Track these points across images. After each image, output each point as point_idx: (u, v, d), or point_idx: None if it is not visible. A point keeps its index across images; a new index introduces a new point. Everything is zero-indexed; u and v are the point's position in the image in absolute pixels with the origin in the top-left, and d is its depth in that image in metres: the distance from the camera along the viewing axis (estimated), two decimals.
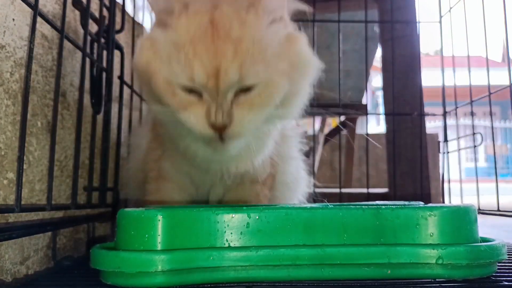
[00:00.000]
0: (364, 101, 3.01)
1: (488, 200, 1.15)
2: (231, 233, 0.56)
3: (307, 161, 0.99)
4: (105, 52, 0.91)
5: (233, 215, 0.57)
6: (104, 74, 0.90)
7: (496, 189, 1.05)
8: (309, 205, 0.65)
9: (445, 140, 1.34)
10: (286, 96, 0.63)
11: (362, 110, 2.91)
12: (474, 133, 1.23)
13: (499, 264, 0.63)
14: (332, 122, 4.66)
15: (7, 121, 0.62)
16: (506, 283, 0.57)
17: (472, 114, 1.24)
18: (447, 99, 1.36)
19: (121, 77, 1.01)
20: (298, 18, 0.69)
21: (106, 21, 0.92)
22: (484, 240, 0.61)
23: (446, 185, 1.31)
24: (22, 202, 0.59)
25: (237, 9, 0.61)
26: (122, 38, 1.05)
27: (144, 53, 0.64)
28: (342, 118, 3.03)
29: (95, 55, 0.86)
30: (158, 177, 0.79)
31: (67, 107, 0.81)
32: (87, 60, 0.82)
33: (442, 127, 1.39)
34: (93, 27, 0.87)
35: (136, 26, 1.14)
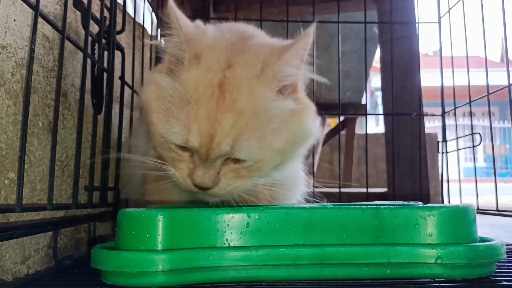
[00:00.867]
0: (363, 102, 3.01)
1: (487, 200, 1.15)
2: (231, 233, 0.57)
3: (307, 161, 0.99)
4: (106, 53, 0.92)
5: (233, 215, 0.57)
6: (105, 75, 0.91)
7: (495, 189, 1.05)
8: (308, 205, 0.66)
9: (444, 140, 1.34)
10: (278, 164, 0.63)
11: (361, 110, 2.92)
12: (473, 133, 1.24)
13: (498, 263, 0.64)
14: (332, 122, 4.67)
15: (8, 121, 0.62)
16: (505, 282, 0.58)
17: (471, 114, 1.24)
18: (446, 99, 1.36)
19: (122, 78, 1.01)
20: (299, 19, 0.69)
21: (107, 22, 0.92)
22: (483, 240, 0.62)
23: (445, 185, 1.31)
24: (23, 202, 0.60)
25: (250, 73, 0.59)
26: (123, 39, 1.05)
27: (148, 92, 0.64)
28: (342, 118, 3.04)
29: (96, 56, 0.86)
30: (157, 178, 0.79)
31: (68, 107, 0.81)
32: (88, 60, 0.82)
33: (441, 127, 1.39)
34: (94, 28, 0.87)
35: (137, 27, 1.14)
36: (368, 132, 2.33)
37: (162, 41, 0.70)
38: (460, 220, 0.59)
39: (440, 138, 1.37)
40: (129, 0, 1.10)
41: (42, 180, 0.71)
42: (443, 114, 1.38)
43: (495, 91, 1.08)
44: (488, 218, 1.31)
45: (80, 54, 0.82)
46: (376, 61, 2.14)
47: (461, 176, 1.26)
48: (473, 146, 1.23)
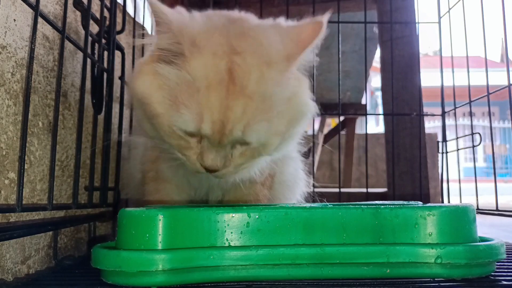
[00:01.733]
0: (363, 102, 3.01)
1: (487, 200, 1.16)
2: (231, 233, 0.57)
3: (307, 161, 0.99)
4: (106, 53, 0.92)
5: (233, 215, 0.57)
6: (105, 75, 0.91)
7: (495, 189, 1.05)
8: (308, 204, 0.66)
9: (444, 140, 1.34)
10: (280, 143, 0.64)
11: (361, 110, 2.92)
12: (473, 133, 1.24)
13: (498, 263, 0.64)
14: (332, 122, 4.67)
15: (8, 121, 0.62)
16: (505, 282, 0.58)
17: (471, 114, 1.24)
18: (446, 99, 1.36)
19: (122, 78, 1.01)
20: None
21: (107, 22, 0.92)
22: (483, 239, 0.62)
23: (445, 185, 1.31)
24: (23, 202, 0.60)
25: (260, 60, 0.59)
26: (123, 39, 1.06)
27: (145, 83, 0.62)
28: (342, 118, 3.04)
29: (96, 56, 0.87)
30: (156, 178, 0.79)
31: (68, 107, 0.81)
32: (88, 60, 0.82)
33: (441, 127, 1.39)
34: (94, 28, 0.88)
35: (137, 27, 1.14)
36: (368, 132, 2.33)
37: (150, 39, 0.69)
38: (460, 220, 0.59)
39: (440, 138, 1.36)
40: (129, 0, 1.11)
41: (42, 180, 0.71)
42: (443, 114, 1.38)
43: (495, 91, 1.08)
44: (488, 218, 1.31)
45: (80, 54, 0.82)
46: (376, 61, 2.14)
47: (461, 176, 1.26)
48: (473, 146, 1.23)
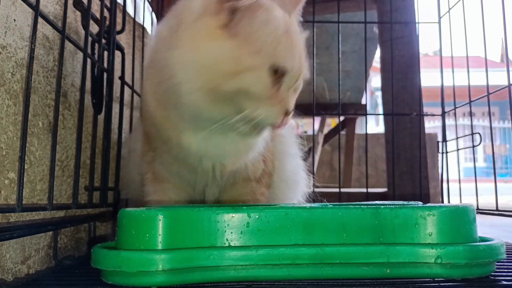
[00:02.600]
0: (363, 102, 3.01)
1: (486, 200, 1.16)
2: (231, 233, 0.57)
3: (307, 161, 0.99)
4: (106, 53, 0.92)
5: (233, 215, 0.57)
6: (105, 75, 0.91)
7: (495, 189, 1.05)
8: (308, 204, 0.66)
9: (444, 140, 1.34)
10: None
11: (361, 110, 2.92)
12: (473, 133, 1.24)
13: (498, 263, 0.64)
14: (332, 122, 4.67)
15: (8, 121, 0.62)
16: (505, 282, 0.58)
17: (471, 114, 1.24)
18: (446, 99, 1.36)
19: (122, 78, 1.01)
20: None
21: (107, 22, 0.92)
22: (483, 239, 0.62)
23: (445, 185, 1.31)
24: (23, 202, 0.60)
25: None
26: (123, 39, 1.06)
27: (224, 45, 0.62)
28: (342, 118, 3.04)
29: (96, 56, 0.87)
30: (154, 179, 0.79)
31: (68, 107, 0.81)
32: (88, 60, 0.82)
33: (441, 127, 1.39)
34: (94, 28, 0.88)
35: (137, 27, 1.14)
36: (368, 132, 2.33)
37: None
38: (460, 220, 0.59)
39: (440, 138, 1.37)
40: (129, 0, 1.11)
41: (42, 180, 0.71)
42: (443, 114, 1.38)
43: (495, 91, 1.08)
44: (488, 218, 1.31)
45: (80, 54, 0.82)
46: (376, 61, 2.14)
47: (461, 176, 1.26)
48: (473, 146, 1.23)
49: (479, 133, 1.23)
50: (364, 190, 1.41)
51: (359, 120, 3.76)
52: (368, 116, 3.62)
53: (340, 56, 1.32)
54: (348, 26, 1.89)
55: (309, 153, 2.17)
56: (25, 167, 0.65)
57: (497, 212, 1.04)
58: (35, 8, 0.62)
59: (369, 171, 1.45)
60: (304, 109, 0.97)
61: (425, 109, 1.45)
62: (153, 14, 1.38)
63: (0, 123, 0.61)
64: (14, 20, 0.64)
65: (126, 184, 0.96)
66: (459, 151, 1.31)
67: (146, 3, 1.33)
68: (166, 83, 0.64)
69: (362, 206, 0.60)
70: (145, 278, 0.53)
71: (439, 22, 1.39)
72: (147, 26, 1.33)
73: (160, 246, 0.54)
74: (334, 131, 3.15)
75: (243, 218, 0.57)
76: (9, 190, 0.62)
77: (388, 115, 1.50)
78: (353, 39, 2.12)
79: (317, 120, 3.21)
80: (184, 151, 0.70)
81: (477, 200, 1.12)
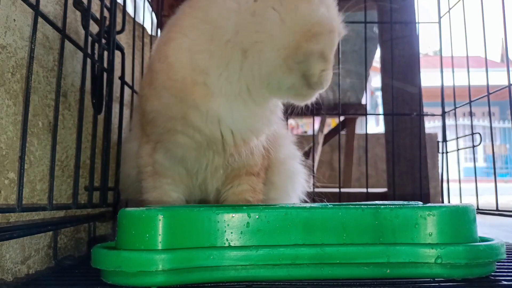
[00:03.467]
0: (363, 102, 3.01)
1: (487, 200, 1.16)
2: (231, 233, 0.57)
3: (307, 162, 0.99)
4: (106, 53, 0.92)
5: (233, 215, 0.57)
6: (105, 75, 0.91)
7: (495, 189, 1.05)
8: (308, 204, 0.66)
9: (444, 140, 1.34)
10: None
11: (361, 110, 2.92)
12: (473, 133, 1.24)
13: (498, 263, 0.64)
14: (332, 122, 4.67)
15: (8, 121, 0.62)
16: (505, 282, 0.58)
17: (471, 114, 1.24)
18: (446, 99, 1.36)
19: (122, 78, 1.01)
20: None
21: (107, 22, 0.92)
22: (483, 239, 0.62)
23: (445, 185, 1.31)
24: (23, 202, 0.60)
25: None
26: (123, 39, 1.06)
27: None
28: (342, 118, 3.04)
29: (96, 56, 0.87)
30: (153, 173, 0.79)
31: (68, 107, 0.81)
32: (88, 60, 0.82)
33: (441, 127, 1.39)
34: (94, 28, 0.88)
35: (137, 27, 1.14)
36: (368, 132, 2.33)
37: None
38: (460, 220, 0.59)
39: (440, 138, 1.37)
40: (129, 0, 1.11)
41: (42, 180, 0.71)
42: (443, 114, 1.38)
43: (495, 91, 1.08)
44: (488, 218, 1.31)
45: (80, 54, 0.82)
46: (376, 61, 2.14)
47: (461, 176, 1.26)
48: (473, 146, 1.23)
49: (479, 133, 1.23)
50: (364, 190, 1.41)
51: (359, 120, 3.76)
52: (368, 116, 3.62)
53: (340, 56, 1.32)
54: (348, 26, 1.89)
55: (309, 153, 2.17)
56: (25, 167, 0.65)
57: (497, 212, 1.04)
58: (35, 8, 0.62)
59: (369, 171, 1.45)
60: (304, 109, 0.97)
61: (425, 109, 1.46)
62: (153, 14, 1.39)
63: (0, 123, 0.61)
64: (14, 20, 0.64)
65: (122, 179, 0.95)
66: (459, 151, 1.31)
67: (146, 3, 1.33)
68: (235, 40, 0.67)
69: (362, 206, 0.60)
70: (145, 278, 0.53)
71: (439, 22, 1.39)
72: (147, 26, 1.33)
73: (160, 246, 0.54)
74: (334, 131, 3.14)
75: (243, 218, 0.57)
76: (9, 190, 0.62)
77: (388, 115, 1.50)
78: (353, 39, 2.12)
79: (317, 120, 3.21)
80: (207, 119, 0.70)
81: (477, 200, 1.12)
